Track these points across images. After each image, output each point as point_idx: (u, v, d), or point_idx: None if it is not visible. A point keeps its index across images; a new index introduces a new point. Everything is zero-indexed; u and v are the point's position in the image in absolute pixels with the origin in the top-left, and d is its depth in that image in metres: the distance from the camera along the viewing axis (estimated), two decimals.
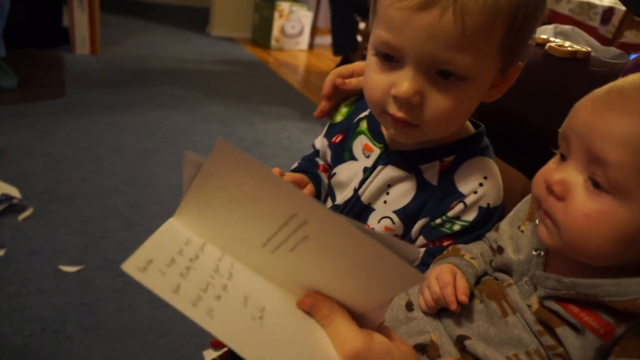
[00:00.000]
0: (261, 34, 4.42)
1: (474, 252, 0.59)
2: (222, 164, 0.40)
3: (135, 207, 1.74)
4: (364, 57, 0.71)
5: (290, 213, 0.39)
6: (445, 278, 0.53)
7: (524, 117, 0.72)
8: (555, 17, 2.67)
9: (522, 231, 0.55)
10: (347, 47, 3.41)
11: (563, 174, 0.47)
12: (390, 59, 0.56)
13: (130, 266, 0.37)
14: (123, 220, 1.66)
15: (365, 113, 0.74)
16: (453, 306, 0.51)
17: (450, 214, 0.63)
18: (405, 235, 0.67)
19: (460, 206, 0.62)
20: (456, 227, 0.63)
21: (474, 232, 0.63)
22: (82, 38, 3.20)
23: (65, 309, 1.28)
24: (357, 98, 0.78)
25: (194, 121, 2.50)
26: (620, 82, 0.46)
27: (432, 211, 0.64)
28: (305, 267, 0.42)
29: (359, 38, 3.42)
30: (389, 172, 0.67)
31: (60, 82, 2.72)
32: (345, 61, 3.49)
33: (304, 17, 4.38)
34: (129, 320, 1.27)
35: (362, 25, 3.40)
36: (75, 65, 3.02)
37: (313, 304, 0.42)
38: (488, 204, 0.62)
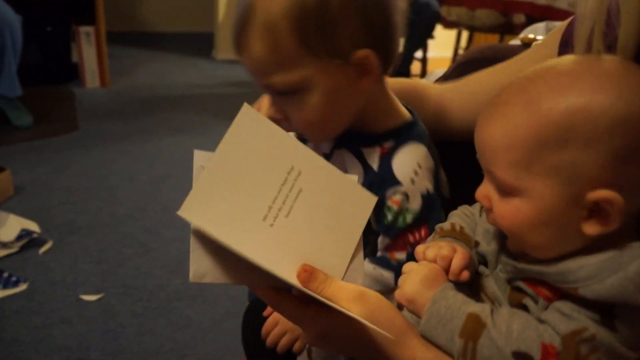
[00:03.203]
0: None
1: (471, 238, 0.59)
2: (245, 129, 0.50)
3: (151, 233, 1.78)
4: None
5: (289, 167, 0.50)
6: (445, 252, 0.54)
7: None
8: (554, 13, 2.67)
9: None
10: None
11: (484, 188, 0.52)
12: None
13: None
14: (139, 247, 1.70)
15: None
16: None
17: (396, 207, 0.65)
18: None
19: (401, 197, 0.65)
20: (409, 219, 0.65)
21: (426, 219, 0.66)
22: (92, 72, 3.29)
23: (89, 336, 1.31)
24: None
25: (205, 144, 2.50)
26: (500, 90, 0.50)
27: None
28: (298, 232, 0.50)
29: None
30: (343, 154, 0.71)
31: (73, 116, 2.80)
32: None
33: None
34: (150, 344, 1.30)
35: None
36: (86, 98, 3.11)
37: (311, 271, 0.49)
38: (427, 190, 0.66)
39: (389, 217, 0.66)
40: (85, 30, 3.17)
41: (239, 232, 0.48)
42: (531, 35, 0.82)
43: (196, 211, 0.48)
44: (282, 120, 0.65)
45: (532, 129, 0.45)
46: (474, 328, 0.47)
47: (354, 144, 0.69)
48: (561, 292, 0.47)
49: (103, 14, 3.22)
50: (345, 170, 0.70)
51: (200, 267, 0.47)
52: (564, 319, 0.45)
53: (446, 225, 0.61)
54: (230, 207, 0.47)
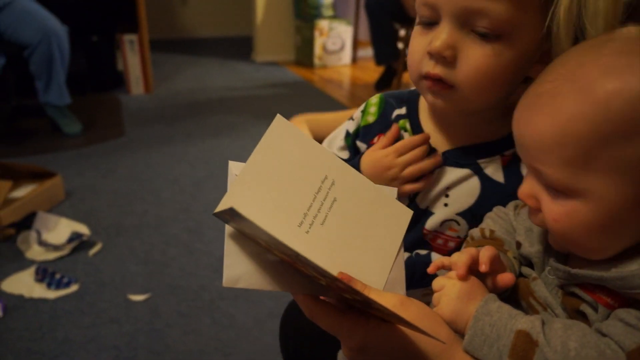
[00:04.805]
0: (304, 54, 4.49)
1: (513, 249, 0.56)
2: (277, 138, 0.49)
3: (195, 234, 1.80)
4: (406, 65, 0.72)
5: (323, 176, 0.50)
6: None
7: None
8: None
9: None
10: (388, 56, 3.41)
11: (529, 186, 0.46)
12: (430, 24, 0.57)
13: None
14: (184, 247, 1.73)
15: (402, 111, 0.70)
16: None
17: None
18: None
19: None
20: None
21: None
22: (136, 79, 3.38)
23: (136, 335, 1.34)
24: (381, 96, 0.74)
25: (245, 146, 2.56)
26: (539, 78, 0.46)
27: None
28: (334, 241, 0.49)
29: (400, 45, 3.41)
30: (445, 174, 0.65)
31: (119, 122, 2.89)
32: (388, 70, 3.48)
33: (344, 32, 4.42)
34: (195, 343, 1.32)
35: (401, 33, 3.39)
36: (131, 105, 3.20)
37: (349, 279, 0.47)
38: None
39: None
40: (129, 38, 3.26)
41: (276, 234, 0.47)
42: None
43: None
44: (440, 57, 0.55)
45: (589, 122, 0.39)
46: (524, 348, 0.42)
47: (468, 157, 0.63)
48: (624, 298, 0.42)
49: (145, 22, 3.30)
50: (446, 189, 0.65)
51: (235, 271, 0.46)
52: (629, 330, 0.40)
53: (476, 232, 0.58)
54: (265, 211, 0.46)
